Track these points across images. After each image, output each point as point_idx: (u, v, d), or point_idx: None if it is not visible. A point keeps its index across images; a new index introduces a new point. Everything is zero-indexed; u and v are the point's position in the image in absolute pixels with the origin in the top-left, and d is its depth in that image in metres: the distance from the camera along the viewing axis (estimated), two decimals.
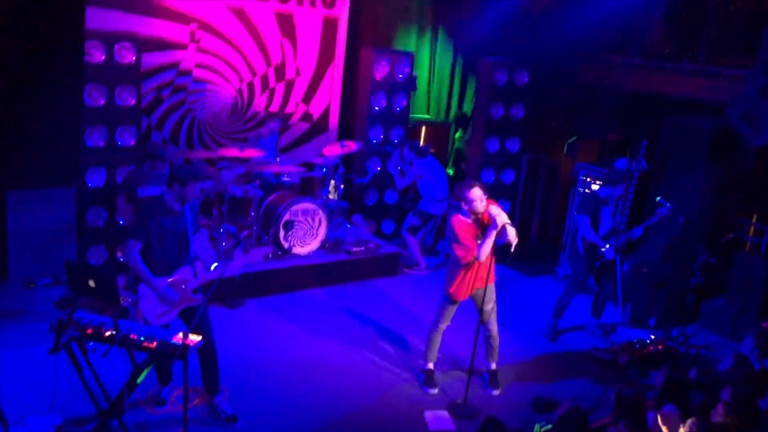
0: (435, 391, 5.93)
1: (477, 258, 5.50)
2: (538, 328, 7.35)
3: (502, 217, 5.38)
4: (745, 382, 4.89)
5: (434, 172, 8.39)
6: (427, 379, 5.97)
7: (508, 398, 5.92)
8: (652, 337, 6.99)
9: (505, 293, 8.07)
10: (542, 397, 5.82)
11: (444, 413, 5.59)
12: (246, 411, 5.32)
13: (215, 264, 4.99)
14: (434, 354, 6.00)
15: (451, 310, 5.84)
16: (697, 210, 7.55)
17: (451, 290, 5.73)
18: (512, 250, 5.46)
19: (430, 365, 6.01)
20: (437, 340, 5.95)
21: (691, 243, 7.53)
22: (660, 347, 6.78)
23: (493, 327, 5.93)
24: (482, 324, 5.88)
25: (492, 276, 5.66)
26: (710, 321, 7.48)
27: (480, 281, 5.68)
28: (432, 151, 8.77)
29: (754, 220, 7.78)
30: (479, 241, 5.50)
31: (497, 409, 5.63)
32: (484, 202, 5.47)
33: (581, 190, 8.73)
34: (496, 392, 5.95)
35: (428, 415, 5.56)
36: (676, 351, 6.85)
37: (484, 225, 5.53)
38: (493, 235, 5.41)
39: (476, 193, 5.43)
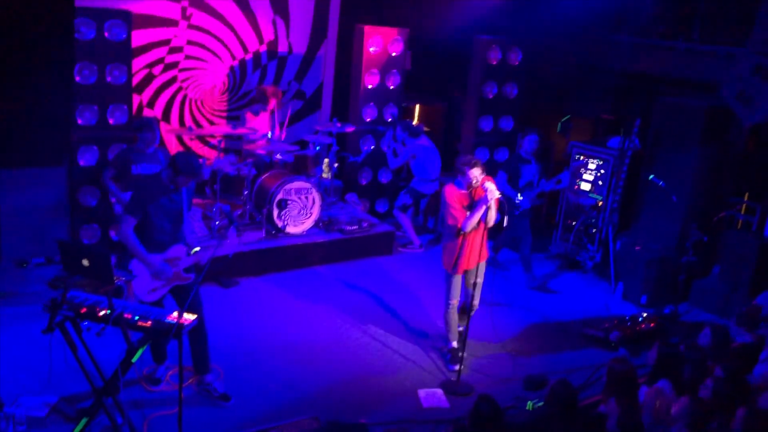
0: (459, 367, 5.97)
1: (462, 229, 5.61)
2: (531, 306, 7.40)
3: (493, 194, 5.51)
4: (733, 356, 4.95)
5: (427, 152, 8.38)
6: (452, 357, 6.02)
7: (501, 376, 5.96)
8: (644, 314, 7.05)
9: (498, 272, 8.11)
10: (534, 375, 5.87)
11: (438, 391, 5.64)
12: (239, 389, 5.35)
13: (196, 249, 4.99)
14: (455, 332, 6.04)
15: (457, 284, 5.91)
16: (690, 189, 7.57)
17: (449, 266, 5.84)
18: (504, 225, 5.78)
19: (454, 344, 6.04)
20: (454, 318, 6.02)
21: (683, 221, 7.56)
22: (652, 325, 6.85)
23: (476, 303, 6.02)
24: (465, 298, 6.02)
25: (485, 252, 5.84)
26: (702, 299, 7.54)
27: (478, 257, 5.79)
28: (426, 129, 8.75)
29: (746, 198, 7.81)
30: (468, 213, 5.62)
31: (490, 387, 5.68)
32: (480, 179, 5.60)
33: (574, 167, 8.74)
34: (455, 368, 5.94)
35: (422, 393, 5.60)
36: (667, 328, 6.91)
37: (474, 199, 5.66)
38: (482, 208, 5.55)
39: (474, 173, 5.58)
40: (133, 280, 4.87)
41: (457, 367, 5.86)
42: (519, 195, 7.52)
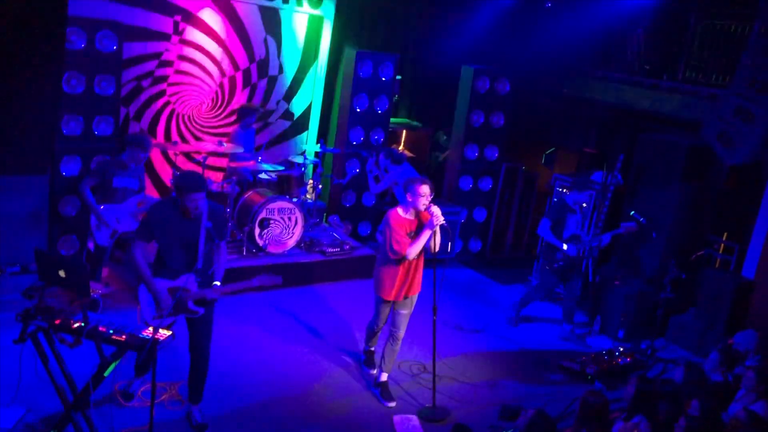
0: (374, 371, 6.07)
1: (405, 256, 5.46)
2: (508, 335, 7.40)
3: (439, 219, 5.37)
4: (708, 394, 4.97)
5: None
6: (367, 360, 6.22)
7: (477, 405, 5.94)
8: (621, 349, 7.08)
9: (478, 300, 8.13)
10: (510, 405, 5.84)
11: (413, 418, 5.60)
12: (213, 408, 5.28)
13: (216, 283, 4.87)
14: (374, 341, 6.18)
15: (386, 311, 5.82)
16: (670, 225, 7.65)
17: (380, 290, 5.69)
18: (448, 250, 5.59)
19: (371, 348, 6.20)
20: (376, 336, 6.14)
21: (662, 258, 7.63)
22: (628, 359, 6.87)
23: (401, 333, 5.82)
24: (391, 327, 5.83)
25: (417, 285, 5.73)
26: (678, 335, 7.59)
27: (413, 288, 5.70)
28: (410, 155, 8.78)
29: (724, 237, 7.91)
30: (411, 239, 5.48)
31: (465, 416, 5.66)
32: (427, 203, 5.45)
33: (557, 200, 8.81)
34: (391, 404, 5.74)
35: (397, 418, 5.56)
36: (644, 363, 6.94)
37: (420, 224, 5.54)
38: (427, 234, 5.43)
39: (425, 190, 5.41)
40: (142, 302, 4.76)
41: (372, 371, 6.08)
42: (564, 245, 7.13)
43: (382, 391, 5.82)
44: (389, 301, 5.75)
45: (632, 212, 7.67)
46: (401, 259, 5.51)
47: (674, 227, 7.69)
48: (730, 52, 8.30)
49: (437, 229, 5.43)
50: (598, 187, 8.27)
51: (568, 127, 10.11)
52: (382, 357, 5.87)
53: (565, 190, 8.53)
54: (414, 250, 5.47)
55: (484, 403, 5.97)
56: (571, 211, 7.30)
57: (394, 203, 8.58)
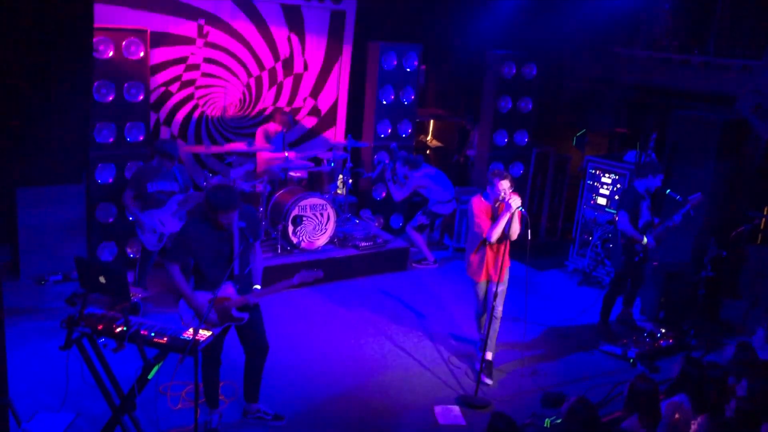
0: (490, 381, 5.99)
1: (487, 238, 5.77)
2: (548, 321, 7.35)
3: (516, 202, 5.64)
4: (758, 375, 4.86)
5: (434, 179, 8.27)
6: (486, 368, 6.02)
7: (518, 392, 5.91)
8: (662, 330, 6.97)
9: (514, 288, 8.06)
10: (552, 392, 5.81)
11: (454, 408, 5.59)
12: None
13: (257, 286, 4.94)
14: (492, 344, 6.02)
15: (481, 293, 6.11)
16: (708, 203, 7.49)
17: (472, 274, 6.08)
18: (528, 243, 5.70)
19: (489, 356, 6.05)
20: (482, 325, 6.18)
21: (701, 236, 7.48)
22: (670, 341, 6.77)
23: (500, 310, 6.03)
24: (492, 303, 5.99)
25: (507, 262, 5.98)
26: (721, 314, 7.45)
27: (500, 268, 5.88)
28: (438, 144, 8.70)
29: (765, 212, 7.73)
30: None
31: (507, 403, 5.64)
32: (508, 193, 5.72)
33: (590, 182, 8.69)
34: (489, 381, 5.96)
35: (438, 409, 5.56)
36: (688, 344, 6.83)
37: (498, 214, 5.80)
38: (505, 216, 5.68)
39: (504, 185, 5.73)
40: (184, 316, 4.80)
41: (488, 381, 5.98)
42: (644, 239, 6.73)
43: (484, 368, 5.97)
44: (482, 283, 6.04)
45: (668, 191, 7.52)
46: (484, 242, 5.84)
47: (712, 204, 7.53)
48: (762, 23, 8.08)
49: (516, 216, 5.69)
50: (632, 167, 8.15)
51: (598, 108, 9.97)
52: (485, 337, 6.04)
53: (602, 176, 8.38)
54: (495, 233, 5.75)
55: (525, 390, 5.94)
56: (643, 198, 6.93)
57: (425, 200, 8.56)
